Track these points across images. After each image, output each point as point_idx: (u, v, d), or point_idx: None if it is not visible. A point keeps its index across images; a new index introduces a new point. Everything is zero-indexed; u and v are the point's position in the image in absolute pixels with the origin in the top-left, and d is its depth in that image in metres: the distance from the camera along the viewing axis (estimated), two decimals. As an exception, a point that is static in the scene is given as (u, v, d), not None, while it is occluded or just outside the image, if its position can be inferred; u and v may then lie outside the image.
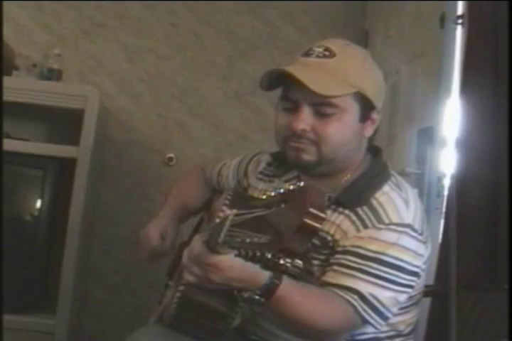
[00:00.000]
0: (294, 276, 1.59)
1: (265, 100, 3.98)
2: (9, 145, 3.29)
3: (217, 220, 1.76)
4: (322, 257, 1.78)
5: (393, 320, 1.80)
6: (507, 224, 2.29)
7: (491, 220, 2.46)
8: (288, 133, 1.82)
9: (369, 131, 1.88)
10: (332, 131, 1.79)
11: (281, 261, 1.22)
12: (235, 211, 1.41)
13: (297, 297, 1.60)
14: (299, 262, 1.27)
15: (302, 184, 1.21)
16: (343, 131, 1.80)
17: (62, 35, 3.89)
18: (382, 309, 1.71)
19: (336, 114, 1.78)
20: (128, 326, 3.77)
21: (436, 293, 2.38)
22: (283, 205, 1.21)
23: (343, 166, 1.87)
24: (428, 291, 2.16)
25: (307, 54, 1.81)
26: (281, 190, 1.25)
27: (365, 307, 1.69)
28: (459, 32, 2.90)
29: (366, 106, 1.83)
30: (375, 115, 1.86)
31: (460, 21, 2.88)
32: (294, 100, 1.81)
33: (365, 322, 1.71)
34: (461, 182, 2.56)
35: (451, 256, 2.06)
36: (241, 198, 1.91)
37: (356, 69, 1.81)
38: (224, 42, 4.05)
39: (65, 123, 3.66)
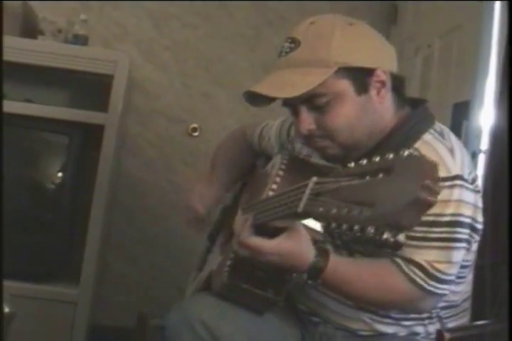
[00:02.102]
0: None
1: (291, 72, 3.92)
2: (33, 109, 3.26)
3: (274, 186, 1.74)
4: None
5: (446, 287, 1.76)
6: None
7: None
8: (301, 139, 1.83)
9: (382, 94, 1.74)
10: (333, 119, 1.72)
11: (385, 236, 1.14)
12: (315, 178, 1.35)
13: (347, 276, 1.63)
14: (401, 237, 1.19)
15: (407, 153, 1.10)
16: (345, 114, 1.72)
17: (87, 0, 3.81)
18: (442, 276, 1.68)
19: (330, 101, 1.70)
20: (148, 297, 3.80)
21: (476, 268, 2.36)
22: (381, 175, 1.12)
23: (375, 136, 1.78)
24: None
25: (279, 53, 1.79)
26: (377, 159, 1.15)
27: (425, 277, 1.66)
28: (498, 5, 2.85)
29: (360, 76, 1.72)
30: (379, 75, 1.72)
31: (500, -6, 2.83)
32: (289, 105, 1.78)
33: (429, 292, 1.68)
34: (497, 158, 2.53)
35: (486, 231, 2.00)
36: (300, 164, 1.85)
37: (324, 47, 1.69)
38: (252, 11, 3.97)
39: (90, 89, 3.60)
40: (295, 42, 1.74)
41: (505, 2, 2.39)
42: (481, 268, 2.27)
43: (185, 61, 3.93)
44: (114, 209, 3.76)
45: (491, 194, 2.40)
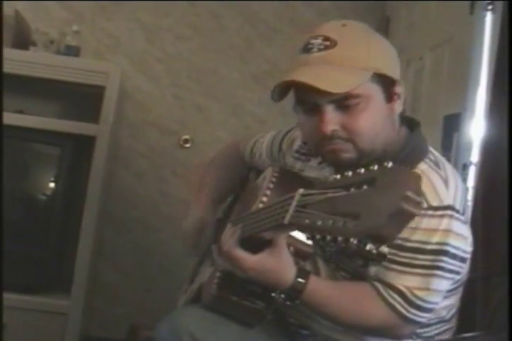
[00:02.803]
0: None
1: (283, 84, 3.94)
2: (25, 120, 3.26)
3: (264, 199, 1.73)
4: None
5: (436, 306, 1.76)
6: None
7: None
8: (319, 137, 1.70)
9: (398, 107, 1.75)
10: (362, 123, 1.67)
11: (368, 248, 1.14)
12: (301, 190, 1.35)
13: (325, 298, 1.63)
14: (385, 249, 1.19)
15: (390, 164, 1.10)
16: (373, 119, 1.68)
17: (80, 12, 3.83)
18: (422, 304, 1.66)
19: (361, 104, 1.66)
20: (139, 308, 3.79)
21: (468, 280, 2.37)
22: (366, 187, 1.12)
23: (380, 145, 1.74)
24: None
25: (307, 49, 1.70)
26: (362, 170, 1.15)
27: (404, 304, 1.65)
28: (489, 18, 2.86)
29: (387, 84, 1.71)
30: (398, 89, 1.73)
31: (490, 7, 2.84)
32: (311, 102, 1.69)
33: (407, 319, 1.66)
34: (488, 170, 2.54)
35: (477, 243, 2.00)
36: (291, 177, 1.84)
37: (364, 50, 1.68)
38: (243, 23, 4.00)
39: (82, 100, 3.60)
40: (330, 41, 1.66)
41: (506, 2, 2.40)
42: (472, 281, 2.28)
43: (177, 73, 3.94)
44: (105, 221, 3.75)
45: (481, 206, 2.41)
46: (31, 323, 3.17)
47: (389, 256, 1.62)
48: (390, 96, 1.72)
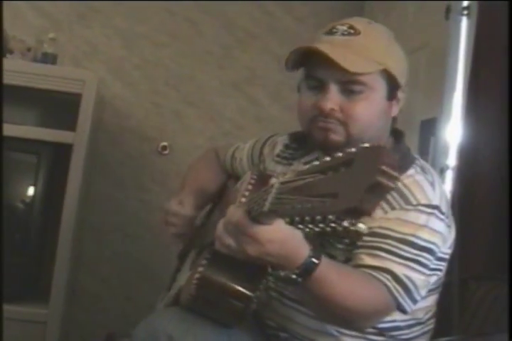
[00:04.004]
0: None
1: (261, 90, 3.98)
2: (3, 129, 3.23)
3: (243, 200, 1.73)
4: (347, 241, 1.74)
5: (414, 306, 1.76)
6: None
7: (497, 210, 2.44)
8: (315, 112, 1.78)
9: (395, 110, 1.85)
10: (360, 110, 1.76)
11: (345, 223, 1.14)
12: (281, 178, 1.35)
13: (335, 278, 1.54)
14: (361, 226, 1.19)
15: (366, 145, 1.13)
16: (371, 110, 1.77)
17: (57, 19, 3.81)
18: (414, 291, 1.67)
19: (364, 92, 1.75)
20: (119, 316, 3.78)
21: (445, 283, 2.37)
22: (343, 169, 1.14)
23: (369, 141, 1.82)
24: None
25: (331, 32, 1.79)
26: (339, 154, 1.17)
27: (398, 287, 1.65)
28: (465, 23, 2.88)
29: (392, 84, 1.80)
30: (400, 94, 1.84)
31: (466, 13, 2.86)
32: (320, 78, 1.78)
33: (398, 304, 1.66)
34: (465, 174, 2.55)
35: (455, 247, 2.02)
36: (269, 180, 1.85)
37: (381, 46, 1.79)
38: (221, 30, 4.00)
39: (59, 108, 3.57)
40: (354, 30, 1.77)
41: (506, 2, 2.42)
42: (449, 284, 2.28)
43: (155, 80, 3.94)
44: (84, 228, 3.74)
45: (458, 209, 2.42)
46: (9, 333, 3.13)
47: (375, 244, 1.67)
48: (391, 96, 1.82)
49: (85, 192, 3.63)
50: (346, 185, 1.10)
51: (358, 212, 1.09)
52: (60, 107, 3.52)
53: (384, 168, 1.08)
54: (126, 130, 3.90)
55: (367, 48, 1.75)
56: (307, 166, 1.28)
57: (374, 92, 1.77)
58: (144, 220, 3.83)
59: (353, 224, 1.15)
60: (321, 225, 1.15)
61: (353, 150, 1.15)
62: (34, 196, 3.35)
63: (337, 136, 1.78)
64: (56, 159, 3.36)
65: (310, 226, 1.17)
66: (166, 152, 3.93)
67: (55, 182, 3.36)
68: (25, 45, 3.53)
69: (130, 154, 3.91)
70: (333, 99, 1.75)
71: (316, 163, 1.25)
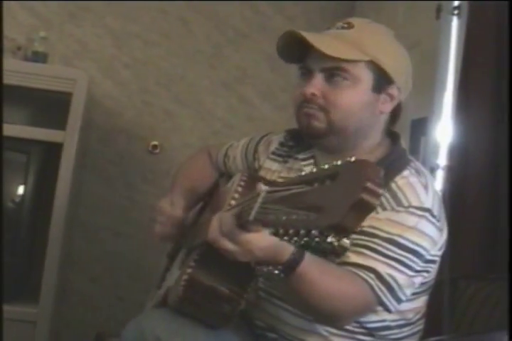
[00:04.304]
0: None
1: (252, 89, 3.97)
2: (-8, 128, 3.22)
3: (232, 202, 1.73)
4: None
5: (403, 307, 1.76)
6: (507, 213, 2.28)
7: (488, 210, 2.45)
8: (300, 99, 1.82)
9: (386, 106, 1.84)
10: (341, 96, 1.78)
11: (329, 240, 1.14)
12: (267, 188, 1.36)
13: (318, 274, 1.55)
14: (346, 241, 1.19)
15: (354, 159, 1.12)
16: (353, 98, 1.79)
17: (48, 18, 3.79)
18: (397, 290, 1.68)
19: (348, 80, 1.78)
20: (109, 315, 3.77)
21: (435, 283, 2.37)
22: (329, 181, 1.13)
23: (356, 141, 1.85)
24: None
25: (328, 28, 1.84)
26: (326, 166, 1.17)
27: (382, 286, 1.65)
28: (455, 23, 2.89)
29: (381, 78, 1.80)
30: (394, 91, 1.83)
31: (456, 12, 2.87)
32: (308, 67, 1.83)
33: (380, 302, 1.67)
34: (456, 173, 2.55)
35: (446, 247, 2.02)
36: (257, 181, 1.85)
37: (373, 40, 1.81)
38: (212, 29, 4.00)
39: (49, 107, 3.56)
40: (349, 24, 1.81)
41: (506, 2, 2.42)
42: (439, 283, 2.29)
43: (145, 79, 3.94)
44: (74, 228, 3.74)
45: (448, 209, 2.42)
46: (-1, 332, 3.14)
47: (361, 242, 1.68)
48: (379, 89, 1.81)
49: (75, 191, 3.62)
50: (331, 199, 1.10)
51: (341, 229, 1.09)
52: (51, 106, 3.51)
53: (369, 184, 1.08)
54: (116, 129, 3.89)
55: (356, 39, 1.78)
56: (294, 176, 1.29)
57: (358, 82, 1.78)
58: (135, 219, 3.83)
59: (338, 240, 1.15)
60: (305, 239, 1.15)
61: (339, 163, 1.14)
62: (24, 195, 3.34)
63: (319, 122, 1.80)
64: (46, 158, 3.36)
65: (295, 239, 1.18)
66: (156, 151, 3.92)
67: (45, 181, 3.35)
68: (16, 43, 3.53)
69: (120, 153, 3.90)
70: (315, 85, 1.79)
71: (303, 173, 1.26)
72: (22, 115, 3.57)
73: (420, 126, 2.98)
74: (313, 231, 1.13)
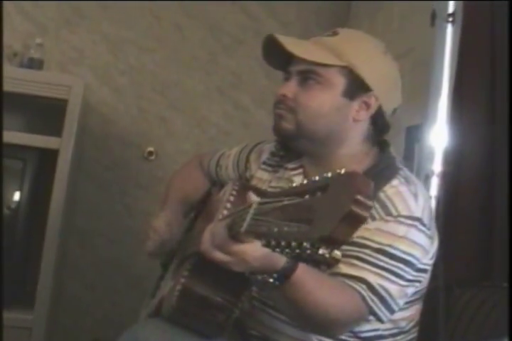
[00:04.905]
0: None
1: (247, 95, 3.98)
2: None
3: (225, 212, 1.74)
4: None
5: (396, 316, 1.76)
6: (508, 222, 2.28)
7: (483, 216, 2.45)
8: (275, 100, 1.86)
9: (361, 114, 1.83)
10: (310, 98, 1.81)
11: (320, 251, 1.15)
12: (259, 199, 1.37)
13: (312, 283, 1.56)
14: (338, 253, 1.20)
15: (344, 170, 1.13)
16: (321, 102, 1.81)
17: (44, 24, 3.80)
18: (389, 300, 1.68)
19: (319, 84, 1.80)
20: (104, 322, 3.77)
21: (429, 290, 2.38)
22: (319, 193, 1.14)
23: (331, 148, 1.85)
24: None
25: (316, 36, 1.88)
26: (316, 178, 1.18)
27: (373, 297, 1.66)
28: (450, 30, 2.90)
29: (356, 84, 1.80)
30: (370, 99, 1.82)
31: (451, 19, 2.88)
32: (288, 71, 1.86)
33: (372, 313, 1.67)
34: (450, 179, 2.56)
35: (438, 253, 2.03)
36: (249, 190, 1.86)
37: (352, 47, 1.82)
38: (207, 36, 4.01)
39: (45, 113, 3.56)
40: (334, 32, 1.85)
41: (500, 9, 2.43)
42: (433, 291, 2.29)
43: (141, 85, 3.94)
44: (69, 234, 3.74)
45: (443, 215, 2.43)
46: (-6, 338, 3.14)
47: (352, 253, 1.67)
48: (352, 95, 1.82)
49: (71, 197, 3.62)
50: (321, 211, 1.11)
51: (332, 241, 1.10)
52: (46, 113, 3.50)
53: (358, 197, 1.08)
54: (112, 135, 3.90)
55: (335, 45, 1.80)
56: (283, 189, 1.30)
57: (330, 86, 1.80)
58: (130, 226, 3.83)
59: (329, 252, 1.16)
60: (297, 251, 1.16)
61: (329, 175, 1.15)
62: (20, 201, 3.34)
63: (288, 123, 1.83)
64: (42, 164, 3.35)
65: (287, 250, 1.18)
66: (152, 157, 3.93)
67: (40, 188, 3.35)
68: (12, 50, 3.53)
69: (116, 160, 3.90)
70: (288, 86, 1.83)
71: (294, 184, 1.27)
72: (18, 122, 3.56)
73: (415, 133, 2.99)
74: (304, 243, 1.13)
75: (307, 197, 1.17)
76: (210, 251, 1.51)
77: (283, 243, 1.17)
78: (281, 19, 4.04)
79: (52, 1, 3.81)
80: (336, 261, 1.22)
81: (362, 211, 1.08)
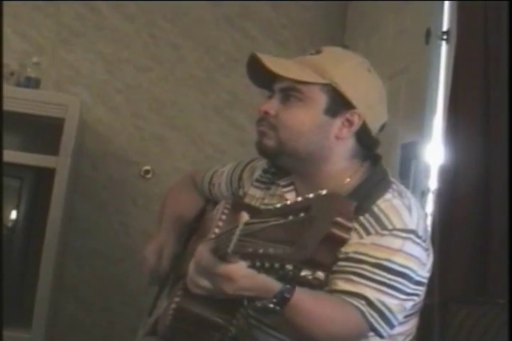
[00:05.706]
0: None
1: (243, 114, 3.99)
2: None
3: (217, 230, 1.74)
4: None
5: (394, 331, 1.76)
6: (507, 239, 2.29)
7: (478, 233, 2.46)
8: (258, 117, 1.84)
9: (343, 132, 1.80)
10: (291, 115, 1.79)
11: (303, 273, 1.16)
12: (245, 220, 1.38)
13: (310, 304, 1.54)
14: (320, 274, 1.21)
15: (325, 192, 1.14)
16: (302, 119, 1.79)
17: (40, 44, 3.83)
18: (389, 315, 1.66)
19: (300, 101, 1.78)
20: (100, 340, 3.75)
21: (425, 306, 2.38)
22: (302, 214, 1.15)
23: (315, 165, 1.83)
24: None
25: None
26: (299, 199, 1.18)
27: (373, 312, 1.64)
28: (444, 48, 2.92)
29: (338, 102, 1.78)
30: (353, 117, 1.79)
31: (445, 37, 2.90)
32: (272, 89, 1.84)
33: (372, 328, 1.65)
34: (446, 196, 2.57)
35: (434, 269, 2.03)
36: (241, 208, 1.86)
37: (335, 65, 1.80)
38: (203, 54, 4.04)
39: (41, 132, 3.58)
40: (318, 51, 1.84)
41: (506, 2, 2.45)
42: (429, 307, 2.29)
43: (137, 104, 3.96)
44: (66, 253, 3.73)
45: (439, 232, 2.43)
46: (-8, 358, 3.13)
47: (349, 269, 1.65)
48: (333, 112, 1.79)
49: (68, 216, 3.63)
50: (303, 233, 1.12)
51: (313, 263, 1.11)
52: (43, 132, 3.53)
53: (339, 219, 1.10)
54: (108, 154, 3.91)
55: (317, 63, 1.79)
56: (271, 208, 1.30)
57: (311, 104, 1.79)
58: (126, 244, 3.83)
59: (312, 274, 1.17)
60: (280, 273, 1.16)
61: (311, 196, 1.16)
62: (17, 220, 3.35)
63: (269, 140, 1.81)
64: (39, 183, 3.37)
65: (271, 271, 1.19)
66: (148, 176, 3.94)
67: (37, 206, 3.36)
68: (9, 69, 3.54)
69: (113, 178, 3.91)
70: (271, 104, 1.81)
71: (278, 205, 1.27)
72: (15, 140, 3.58)
73: (410, 150, 3.00)
74: (287, 266, 1.14)
75: (290, 217, 1.18)
76: (195, 278, 1.52)
77: (267, 264, 1.18)
78: (277, 39, 4.07)
79: (49, 21, 3.84)
80: (320, 282, 1.23)
81: (342, 233, 1.09)
